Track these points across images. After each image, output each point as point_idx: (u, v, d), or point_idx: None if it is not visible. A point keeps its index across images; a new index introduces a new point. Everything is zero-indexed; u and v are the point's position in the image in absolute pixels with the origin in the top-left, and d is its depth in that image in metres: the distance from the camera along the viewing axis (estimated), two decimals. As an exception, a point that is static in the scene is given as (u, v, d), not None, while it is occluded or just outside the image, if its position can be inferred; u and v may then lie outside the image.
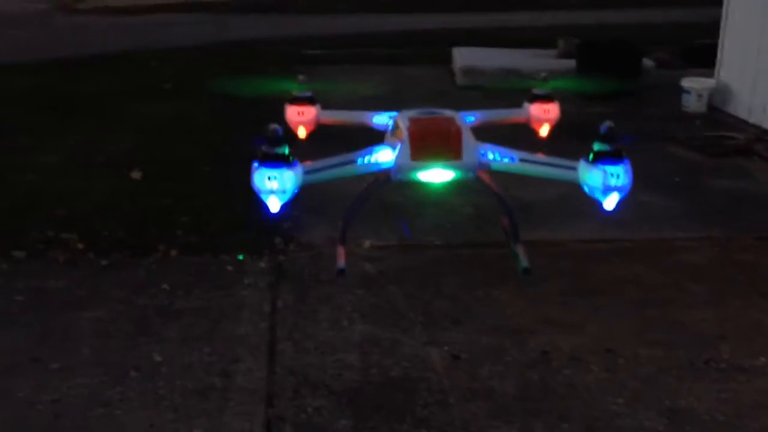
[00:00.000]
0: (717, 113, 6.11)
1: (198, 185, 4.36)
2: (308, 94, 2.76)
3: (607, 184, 2.07)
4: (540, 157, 2.32)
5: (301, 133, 2.76)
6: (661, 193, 4.40)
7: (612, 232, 3.83)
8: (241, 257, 3.35)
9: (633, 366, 2.72)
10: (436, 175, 2.25)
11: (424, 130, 2.22)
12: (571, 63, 6.99)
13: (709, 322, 3.01)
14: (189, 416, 2.41)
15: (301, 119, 2.74)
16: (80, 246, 3.53)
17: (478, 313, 3.06)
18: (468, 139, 2.26)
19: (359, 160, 2.23)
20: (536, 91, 2.79)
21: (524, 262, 2.62)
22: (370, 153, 2.24)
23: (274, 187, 1.98)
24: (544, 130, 2.82)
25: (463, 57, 7.57)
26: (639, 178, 4.54)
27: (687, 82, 6.25)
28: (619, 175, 2.07)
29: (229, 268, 3.34)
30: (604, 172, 2.07)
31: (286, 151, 2.00)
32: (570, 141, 5.42)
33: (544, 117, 2.79)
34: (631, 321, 3.02)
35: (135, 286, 3.22)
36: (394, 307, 3.09)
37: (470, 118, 2.62)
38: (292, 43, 9.16)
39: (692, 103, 6.19)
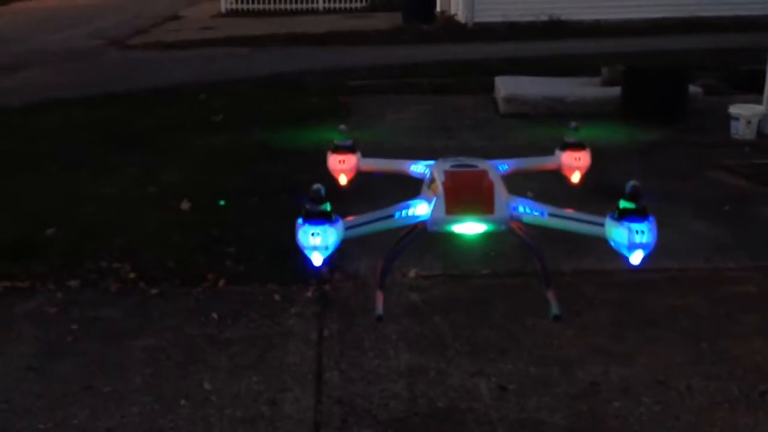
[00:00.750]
0: (766, 140, 6.00)
1: (245, 215, 4.44)
2: (349, 142, 2.89)
3: (632, 241, 2.15)
4: (568, 212, 2.39)
5: (342, 180, 2.90)
6: (710, 221, 4.33)
7: (661, 261, 3.78)
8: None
9: (686, 398, 2.67)
10: (470, 227, 2.36)
11: (458, 186, 2.32)
12: (616, 90, 6.96)
13: (764, 354, 2.94)
14: (238, 445, 2.44)
15: (342, 167, 2.87)
16: (132, 275, 3.62)
17: (526, 343, 3.04)
18: (500, 193, 2.35)
19: (397, 215, 2.35)
20: (568, 139, 2.85)
21: (555, 309, 2.66)
22: (407, 207, 2.35)
23: (317, 243, 2.10)
24: (575, 178, 2.89)
25: (506, 85, 7.58)
26: (688, 206, 4.58)
27: (735, 109, 6.16)
28: (644, 231, 2.13)
29: (276, 297, 3.38)
30: (629, 229, 2.13)
31: (328, 208, 2.12)
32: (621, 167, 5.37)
33: (575, 165, 2.86)
34: (683, 352, 2.97)
35: (185, 315, 3.28)
36: (440, 337, 3.09)
37: (503, 167, 2.70)
38: (338, 74, 9.29)
39: (740, 130, 6.09)
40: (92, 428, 2.54)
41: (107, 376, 2.85)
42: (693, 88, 7.03)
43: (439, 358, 2.93)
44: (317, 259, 2.14)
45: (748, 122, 6.07)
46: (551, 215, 2.39)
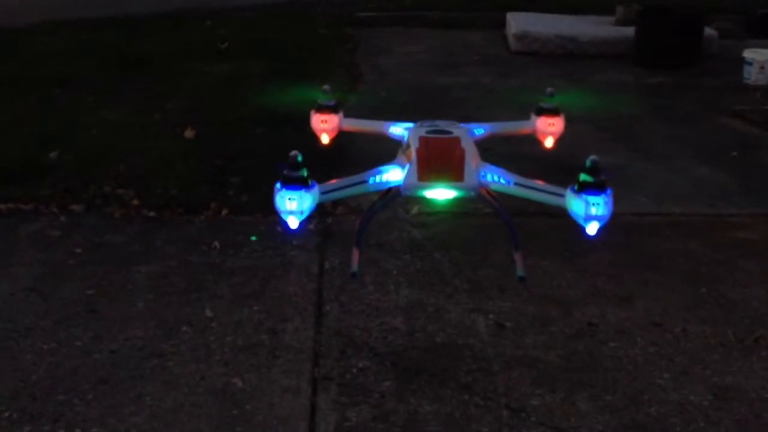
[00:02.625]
0: (779, 86, 5.92)
1: (250, 146, 4.41)
2: (332, 102, 2.95)
3: (588, 213, 2.26)
4: (534, 182, 2.50)
5: (324, 139, 2.96)
6: (717, 167, 4.30)
7: (666, 206, 3.77)
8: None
9: (681, 341, 2.70)
10: (441, 193, 2.49)
11: (431, 153, 2.44)
12: (629, 31, 6.83)
13: (761, 300, 2.96)
14: (238, 371, 2.48)
15: (324, 127, 2.93)
16: (135, 202, 3.63)
17: (526, 283, 3.06)
18: (471, 161, 2.46)
19: (370, 180, 2.46)
20: (543, 104, 2.95)
21: (520, 271, 2.75)
22: (380, 173, 2.47)
23: (293, 207, 2.22)
24: (548, 143, 2.98)
25: (517, 22, 7.44)
26: (695, 151, 4.54)
27: (749, 53, 6.05)
28: (599, 204, 2.26)
29: (279, 228, 3.39)
30: (586, 202, 2.26)
31: (305, 174, 2.24)
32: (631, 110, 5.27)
33: (548, 130, 2.95)
34: (681, 296, 2.99)
35: (188, 243, 3.30)
36: (440, 274, 3.11)
37: (480, 131, 2.82)
38: (347, 5, 9.11)
39: (753, 75, 6.00)
40: (95, 350, 2.58)
41: (110, 300, 2.88)
42: (708, 31, 6.90)
43: (438, 295, 2.95)
44: (293, 223, 2.27)
45: (762, 67, 5.97)
46: (516, 184, 2.50)
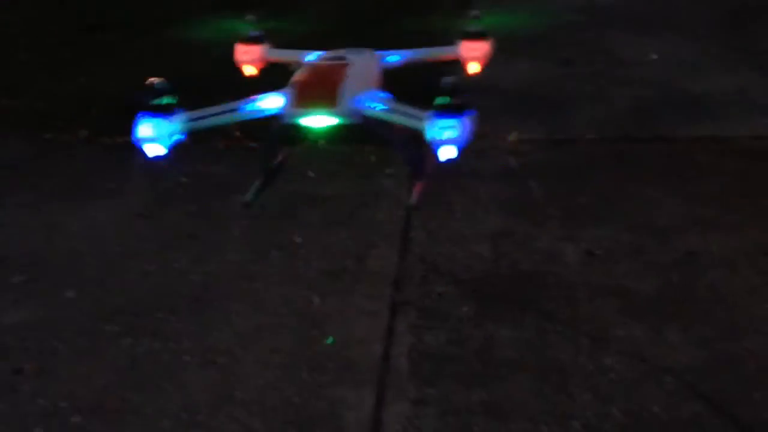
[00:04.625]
0: None
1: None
2: (256, 33, 2.91)
3: (439, 137, 2.17)
4: (401, 106, 2.40)
5: (249, 71, 2.95)
6: None
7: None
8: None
9: (790, 272, 2.50)
10: (319, 120, 2.41)
11: (309, 79, 2.42)
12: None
13: None
14: (322, 294, 2.55)
15: (246, 59, 2.93)
16: (238, 134, 3.74)
17: (624, 211, 2.92)
18: (352, 87, 2.37)
19: (244, 107, 2.43)
20: (468, 28, 2.81)
21: (413, 199, 2.69)
22: (255, 101, 2.44)
23: (147, 134, 2.25)
24: (471, 68, 2.85)
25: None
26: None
27: None
28: (451, 128, 2.16)
29: (372, 158, 3.40)
30: (437, 125, 2.17)
31: (164, 101, 2.25)
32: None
33: (472, 56, 2.82)
34: (798, 226, 2.75)
35: (283, 173, 3.38)
36: (533, 202, 3.02)
37: (395, 58, 2.73)
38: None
39: None
40: (192, 271, 2.72)
41: (210, 226, 3.02)
42: None
43: (528, 223, 2.87)
44: (151, 150, 2.30)
45: None
46: (384, 109, 2.42)
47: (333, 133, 2.47)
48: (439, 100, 2.19)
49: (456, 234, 2.83)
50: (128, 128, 3.77)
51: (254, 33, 2.92)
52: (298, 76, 2.48)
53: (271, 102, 2.45)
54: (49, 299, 2.56)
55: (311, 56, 2.79)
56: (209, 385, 2.16)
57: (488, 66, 2.94)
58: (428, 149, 2.32)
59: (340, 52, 2.64)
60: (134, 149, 3.62)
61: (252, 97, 2.47)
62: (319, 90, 2.40)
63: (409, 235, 2.85)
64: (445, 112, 2.18)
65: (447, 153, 2.22)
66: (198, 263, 2.77)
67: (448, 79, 2.21)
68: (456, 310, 2.43)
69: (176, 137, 2.32)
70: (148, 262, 2.79)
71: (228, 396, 2.12)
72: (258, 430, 2.01)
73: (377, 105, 2.43)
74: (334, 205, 3.08)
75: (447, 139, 2.18)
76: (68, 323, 2.44)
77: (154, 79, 2.26)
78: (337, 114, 2.39)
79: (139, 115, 2.27)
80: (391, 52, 2.77)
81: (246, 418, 2.04)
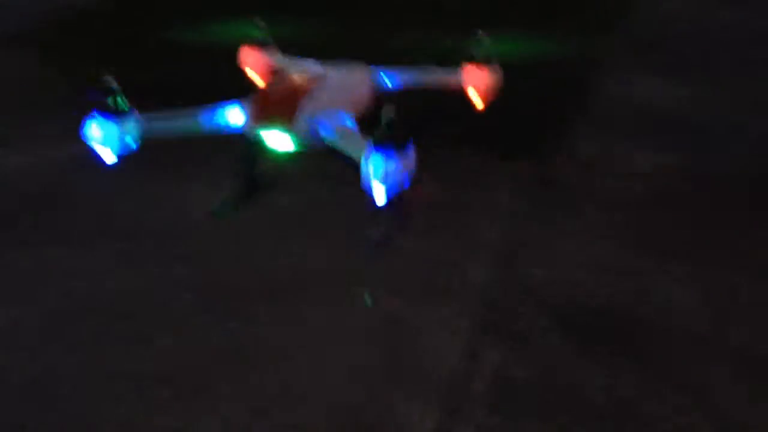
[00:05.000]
0: None
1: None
2: (263, 38, 2.78)
3: (367, 174, 1.97)
4: (350, 133, 2.16)
5: (251, 75, 2.81)
6: None
7: None
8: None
9: None
10: (278, 140, 2.14)
11: (270, 92, 2.19)
12: None
13: None
14: (411, 302, 2.45)
15: (251, 63, 2.80)
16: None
17: (757, 259, 2.63)
18: (314, 105, 2.11)
19: (203, 120, 2.21)
20: (472, 51, 2.54)
21: (375, 232, 2.50)
22: (217, 111, 2.23)
23: (96, 135, 2.10)
24: (475, 99, 2.55)
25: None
26: None
27: None
28: (382, 166, 1.94)
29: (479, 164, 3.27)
30: (371, 162, 1.96)
31: (111, 102, 2.10)
32: None
33: (471, 84, 2.53)
34: None
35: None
36: (653, 234, 2.79)
37: (393, 79, 2.47)
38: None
39: None
40: (290, 262, 2.70)
41: (314, 216, 2.99)
42: None
43: (644, 257, 2.65)
44: (106, 155, 2.16)
45: None
46: (337, 134, 2.16)
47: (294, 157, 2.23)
48: (376, 135, 1.98)
49: (562, 258, 2.66)
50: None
51: (261, 37, 2.82)
52: (261, 87, 2.34)
53: (233, 116, 2.27)
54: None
55: (315, 66, 2.61)
56: (283, 378, 2.14)
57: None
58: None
59: (326, 65, 2.48)
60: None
61: (215, 107, 2.29)
62: (278, 105, 2.21)
63: (512, 252, 2.70)
64: (381, 147, 1.98)
65: (378, 191, 2.01)
66: (296, 254, 2.75)
67: (389, 112, 1.99)
68: (547, 341, 2.27)
69: (128, 142, 2.19)
70: (257, 247, 2.79)
71: (298, 391, 2.09)
72: (318, 429, 1.96)
73: (329, 129, 2.21)
74: (440, 211, 2.98)
75: (378, 176, 1.99)
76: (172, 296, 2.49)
77: (107, 77, 2.13)
78: (292, 133, 2.18)
79: (89, 114, 2.17)
80: (392, 71, 2.55)
81: (310, 415, 2.00)
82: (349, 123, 2.21)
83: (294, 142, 2.21)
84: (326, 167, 3.32)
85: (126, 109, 2.15)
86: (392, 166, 1.95)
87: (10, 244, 2.70)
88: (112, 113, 2.14)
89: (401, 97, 2.42)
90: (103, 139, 2.13)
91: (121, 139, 2.15)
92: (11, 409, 2.01)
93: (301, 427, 1.97)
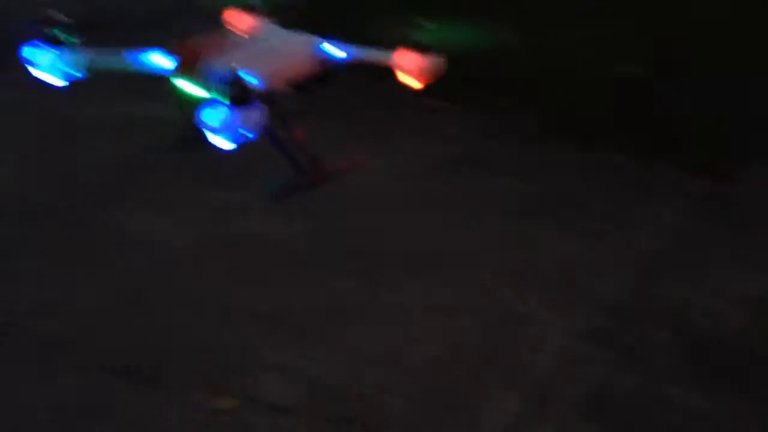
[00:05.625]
0: None
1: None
2: (251, 3, 2.72)
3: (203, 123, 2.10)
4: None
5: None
6: None
7: None
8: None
9: None
10: (187, 86, 2.33)
11: (187, 45, 2.36)
12: None
13: None
14: (540, 299, 2.41)
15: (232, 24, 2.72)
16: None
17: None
18: (225, 60, 2.25)
19: (128, 57, 2.36)
20: (413, 36, 2.44)
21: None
22: (149, 54, 2.39)
23: (41, 61, 2.29)
24: (406, 81, 2.45)
25: None
26: None
27: None
28: (214, 118, 2.09)
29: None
30: (204, 112, 2.09)
31: (55, 32, 2.28)
32: None
33: (404, 67, 2.43)
34: None
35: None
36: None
37: (339, 54, 2.46)
38: None
39: None
40: (441, 235, 2.76)
41: (463, 197, 3.02)
42: None
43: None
44: (41, 77, 2.30)
45: None
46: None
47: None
48: (215, 89, 2.14)
49: (709, 285, 2.48)
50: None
51: (250, 2, 2.77)
52: (181, 41, 2.45)
53: (158, 59, 2.41)
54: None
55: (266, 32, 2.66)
56: (390, 343, 2.21)
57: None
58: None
59: (267, 29, 2.59)
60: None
61: (145, 50, 2.42)
62: (187, 57, 2.35)
63: (658, 269, 2.56)
64: (219, 101, 2.11)
65: (219, 143, 2.13)
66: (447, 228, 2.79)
67: (227, 69, 2.14)
68: (659, 361, 2.16)
69: (68, 71, 2.33)
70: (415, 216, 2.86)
71: (399, 357, 2.15)
72: (416, 400, 2.01)
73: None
74: (601, 217, 2.88)
75: (209, 126, 2.10)
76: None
77: (52, 11, 2.31)
78: (194, 81, 2.31)
79: (28, 42, 2.32)
80: (340, 45, 2.54)
81: (406, 386, 2.06)
82: (252, 81, 2.31)
83: (200, 89, 2.36)
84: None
85: (66, 41, 2.34)
86: (229, 119, 2.10)
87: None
88: (52, 43, 2.33)
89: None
90: (41, 66, 2.34)
91: (59, 68, 2.34)
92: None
93: (395, 391, 2.03)
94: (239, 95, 2.12)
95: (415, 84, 2.47)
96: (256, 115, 2.15)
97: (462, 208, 2.90)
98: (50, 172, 2.97)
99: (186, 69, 2.37)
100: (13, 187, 2.90)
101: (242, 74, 2.19)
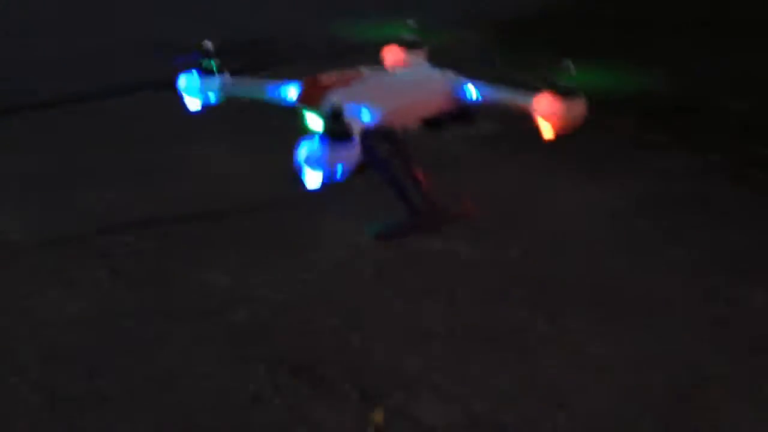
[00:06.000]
0: None
1: None
2: (412, 39, 2.67)
3: (301, 159, 2.05)
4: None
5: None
6: None
7: None
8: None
9: None
10: (311, 119, 2.26)
11: (316, 79, 2.33)
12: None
13: None
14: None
15: (390, 60, 2.72)
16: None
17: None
18: (342, 95, 2.19)
19: (270, 90, 2.40)
20: (555, 79, 2.27)
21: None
22: (282, 87, 2.41)
23: (183, 86, 2.49)
24: (545, 130, 2.26)
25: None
26: None
27: None
28: (313, 152, 2.03)
29: None
30: (302, 147, 2.04)
31: (204, 64, 2.45)
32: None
33: (545, 113, 2.25)
34: None
35: None
36: None
37: (474, 93, 2.33)
38: None
39: None
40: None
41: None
42: None
43: None
44: (188, 102, 2.48)
45: None
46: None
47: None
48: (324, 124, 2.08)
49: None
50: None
51: (410, 38, 2.67)
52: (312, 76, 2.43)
53: (291, 92, 2.41)
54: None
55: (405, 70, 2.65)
56: (557, 381, 2.10)
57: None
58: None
59: (410, 66, 2.56)
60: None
61: (283, 83, 2.43)
62: (312, 90, 2.32)
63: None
64: (323, 136, 2.04)
65: (309, 178, 2.06)
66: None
67: (332, 103, 2.08)
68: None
69: (211, 97, 2.46)
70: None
71: (563, 400, 2.04)
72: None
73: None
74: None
75: (308, 162, 2.03)
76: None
77: (206, 42, 2.43)
78: (320, 115, 2.19)
79: (181, 71, 2.49)
80: (480, 85, 2.40)
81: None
82: (366, 116, 2.24)
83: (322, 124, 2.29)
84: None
85: (213, 70, 2.50)
86: (319, 152, 2.01)
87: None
88: (201, 71, 2.53)
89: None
90: (187, 89, 2.55)
91: (203, 93, 2.52)
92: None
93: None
94: (334, 129, 2.06)
95: (551, 130, 2.30)
96: (349, 151, 2.07)
97: (666, 254, 2.69)
98: (274, 169, 3.21)
99: (307, 101, 2.36)
100: (243, 182, 3.18)
101: (353, 109, 2.15)
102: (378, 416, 1.99)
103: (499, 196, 3.02)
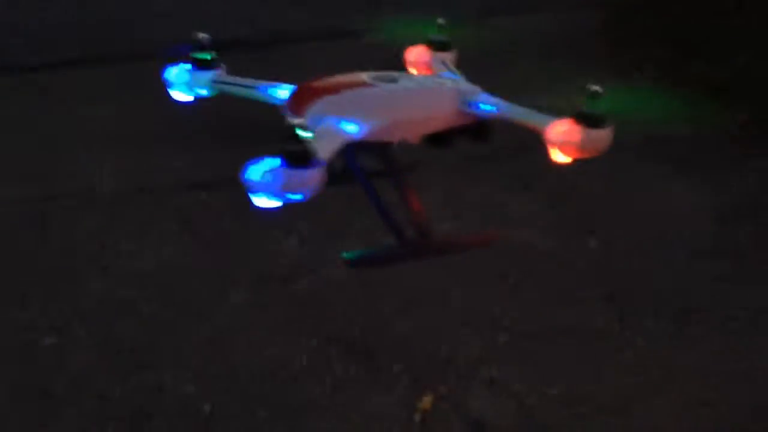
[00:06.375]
0: None
1: None
2: (441, 39, 2.42)
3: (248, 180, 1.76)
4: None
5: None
6: None
7: None
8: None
9: None
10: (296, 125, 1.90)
11: (306, 86, 2.12)
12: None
13: None
14: None
15: (412, 60, 2.47)
16: None
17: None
18: (326, 105, 2.00)
19: (263, 89, 2.25)
20: (583, 107, 1.92)
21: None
22: (273, 87, 2.24)
23: (172, 79, 2.30)
24: (555, 156, 1.97)
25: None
26: None
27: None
28: (261, 173, 1.73)
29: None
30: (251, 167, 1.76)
31: (199, 56, 2.27)
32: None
33: (557, 139, 1.94)
34: None
35: None
36: None
37: (489, 107, 2.09)
38: None
39: None
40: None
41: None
42: None
43: None
44: (175, 95, 2.32)
45: None
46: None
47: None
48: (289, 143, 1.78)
49: None
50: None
51: (438, 38, 2.42)
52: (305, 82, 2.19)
53: (282, 93, 2.18)
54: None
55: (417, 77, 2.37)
56: (622, 392, 1.99)
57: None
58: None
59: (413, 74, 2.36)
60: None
61: (273, 84, 2.24)
62: (299, 98, 2.08)
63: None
64: (284, 157, 1.75)
65: (259, 201, 1.79)
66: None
67: (291, 120, 1.82)
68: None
69: (202, 91, 2.32)
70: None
71: (625, 409, 1.93)
72: None
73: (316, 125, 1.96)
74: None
75: (256, 189, 1.75)
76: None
77: (203, 35, 2.29)
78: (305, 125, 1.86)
79: (170, 63, 2.33)
80: (495, 100, 2.13)
81: None
82: (349, 128, 1.98)
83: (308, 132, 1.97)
84: None
85: (206, 64, 2.31)
86: (269, 178, 1.75)
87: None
88: (195, 64, 2.32)
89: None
90: (174, 85, 2.36)
91: (190, 86, 2.34)
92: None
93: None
94: (290, 152, 1.75)
95: (561, 157, 1.99)
96: (306, 179, 1.77)
97: (760, 261, 2.50)
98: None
99: (293, 109, 2.08)
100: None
101: (336, 121, 1.95)
102: (426, 403, 1.93)
103: (585, 191, 2.88)
